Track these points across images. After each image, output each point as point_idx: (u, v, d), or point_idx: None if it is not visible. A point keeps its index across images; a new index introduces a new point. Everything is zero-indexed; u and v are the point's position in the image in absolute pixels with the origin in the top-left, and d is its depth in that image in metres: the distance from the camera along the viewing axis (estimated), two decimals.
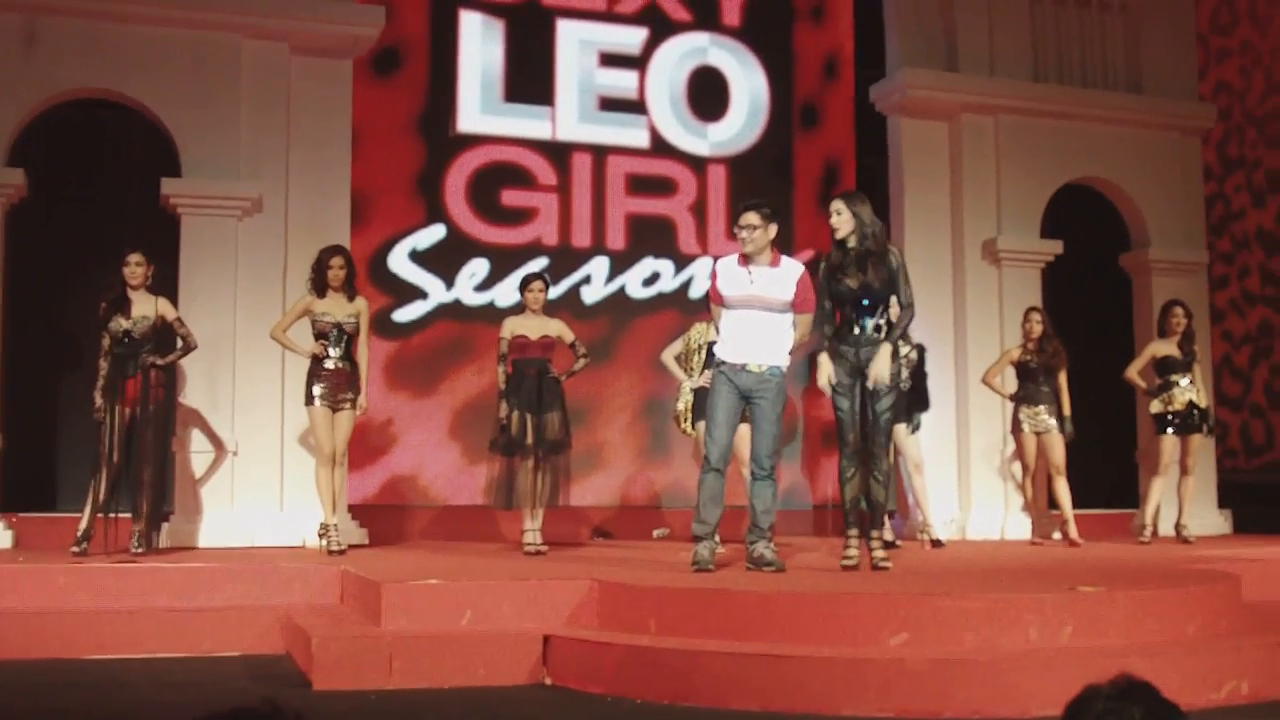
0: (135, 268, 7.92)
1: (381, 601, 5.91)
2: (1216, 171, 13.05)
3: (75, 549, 7.52)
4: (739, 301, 6.59)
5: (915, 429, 9.22)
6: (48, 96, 9.04)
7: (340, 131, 9.61)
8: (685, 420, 8.72)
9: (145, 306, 7.92)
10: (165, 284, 8.41)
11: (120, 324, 7.83)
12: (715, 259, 7.76)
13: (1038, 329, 9.65)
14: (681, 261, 11.24)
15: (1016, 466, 10.24)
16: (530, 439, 8.08)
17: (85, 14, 9.00)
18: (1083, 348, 10.35)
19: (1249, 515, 11.56)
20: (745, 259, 6.62)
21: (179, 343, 8.01)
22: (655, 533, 10.50)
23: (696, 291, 10.93)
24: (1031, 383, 9.64)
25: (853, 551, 6.79)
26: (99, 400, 7.75)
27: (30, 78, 8.93)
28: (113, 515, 7.62)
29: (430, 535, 10.06)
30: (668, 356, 8.86)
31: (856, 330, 6.66)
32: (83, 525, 7.63)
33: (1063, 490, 9.54)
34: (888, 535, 8.88)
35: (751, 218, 6.57)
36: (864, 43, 11.80)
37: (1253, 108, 12.97)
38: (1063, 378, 9.60)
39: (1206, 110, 12.21)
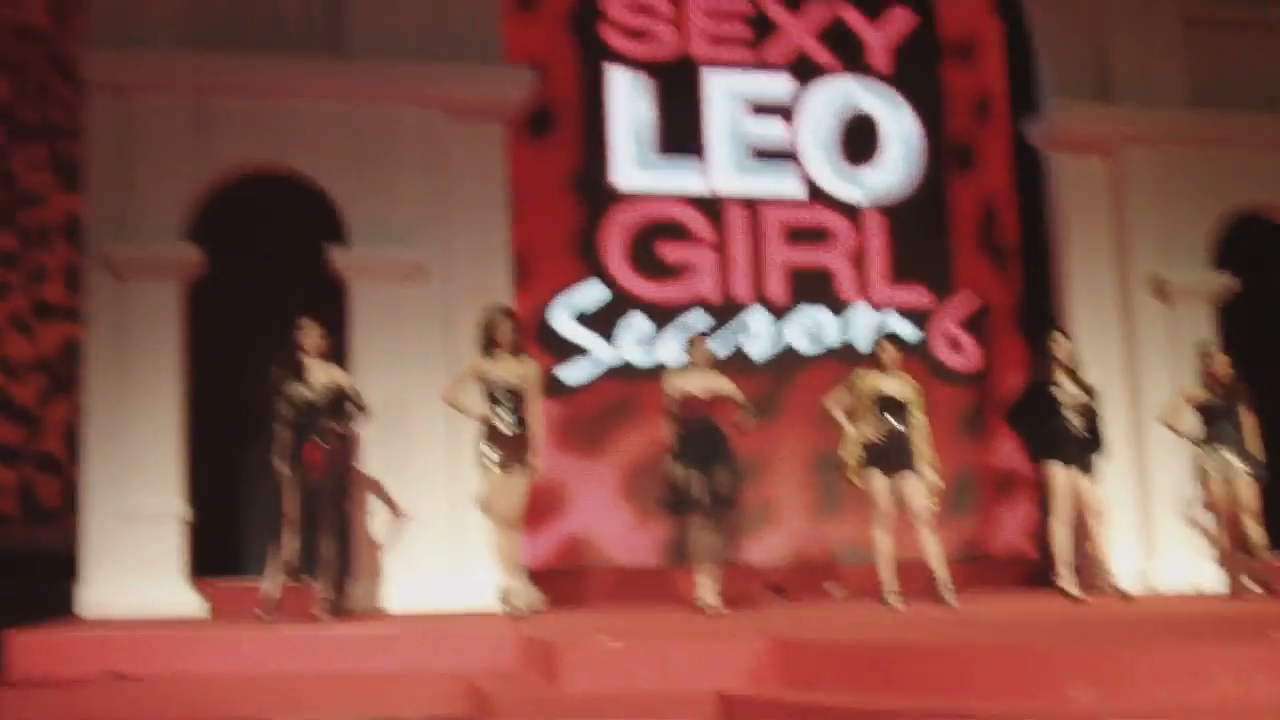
0: (315, 337, 8.11)
1: (561, 663, 5.91)
2: None
3: (262, 614, 7.67)
4: None
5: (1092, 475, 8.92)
6: (219, 174, 9.31)
7: (497, 193, 9.72)
8: (855, 473, 8.51)
9: (323, 374, 8.09)
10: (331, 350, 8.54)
11: (302, 392, 8.00)
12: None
13: (1224, 369, 9.28)
14: (841, 311, 11.11)
15: (1206, 513, 9.79)
16: (701, 496, 8.03)
17: (251, 93, 9.30)
18: (1266, 387, 9.81)
19: None
20: None
21: (352, 409, 8.17)
22: (830, 588, 10.26)
23: (861, 343, 10.77)
24: (1215, 424, 9.26)
25: None
26: (281, 467, 7.91)
27: (202, 157, 9.23)
28: (298, 581, 7.77)
29: (605, 596, 10.00)
30: (833, 405, 8.70)
31: None
32: (268, 591, 7.79)
33: (1256, 535, 9.13)
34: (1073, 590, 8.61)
35: None
36: (1019, 80, 11.54)
37: None
38: (1247, 417, 9.21)
39: None
